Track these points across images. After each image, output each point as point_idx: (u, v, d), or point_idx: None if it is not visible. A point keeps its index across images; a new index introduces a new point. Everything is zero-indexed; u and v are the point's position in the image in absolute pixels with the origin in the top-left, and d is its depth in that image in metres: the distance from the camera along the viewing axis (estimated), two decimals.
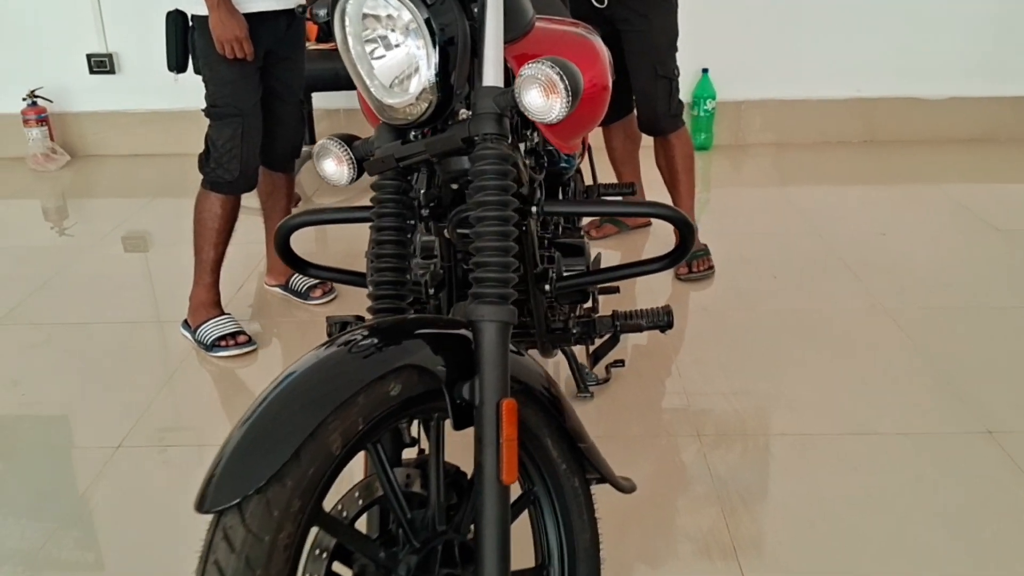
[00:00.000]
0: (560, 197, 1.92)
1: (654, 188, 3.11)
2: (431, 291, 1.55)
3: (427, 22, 1.14)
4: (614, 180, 3.08)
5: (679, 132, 2.84)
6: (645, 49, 2.71)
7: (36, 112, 4.24)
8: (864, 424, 2.04)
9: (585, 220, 2.83)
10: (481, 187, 1.12)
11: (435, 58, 1.15)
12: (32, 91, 4.23)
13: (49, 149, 4.30)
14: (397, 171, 1.25)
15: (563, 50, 1.42)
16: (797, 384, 2.22)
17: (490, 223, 1.11)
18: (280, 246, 1.47)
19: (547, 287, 1.54)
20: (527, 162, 1.36)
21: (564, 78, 1.11)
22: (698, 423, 2.06)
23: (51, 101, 4.30)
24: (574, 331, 1.72)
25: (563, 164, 1.81)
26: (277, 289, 2.83)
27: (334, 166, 1.27)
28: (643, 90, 2.76)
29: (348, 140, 1.28)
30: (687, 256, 1.48)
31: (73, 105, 4.36)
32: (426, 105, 1.16)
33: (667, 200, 2.98)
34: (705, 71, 4.14)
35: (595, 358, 2.19)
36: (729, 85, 4.19)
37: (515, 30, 1.38)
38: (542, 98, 1.12)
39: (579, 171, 2.25)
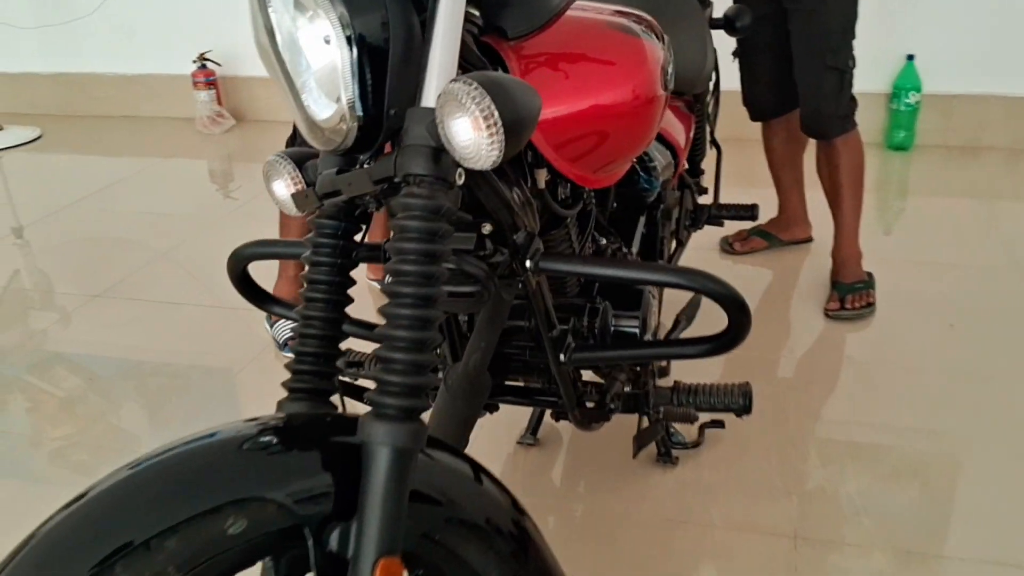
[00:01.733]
0: (644, 223, 1.57)
1: (817, 204, 2.61)
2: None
3: (340, 18, 0.84)
4: (759, 191, 2.62)
5: (847, 137, 2.33)
6: (814, 33, 2.23)
7: (205, 75, 4.32)
8: None
9: (693, 229, 2.40)
10: (397, 251, 0.82)
11: (350, 65, 0.84)
12: (202, 54, 4.31)
13: (216, 113, 4.37)
14: (340, 207, 0.97)
15: (591, 50, 1.07)
16: (959, 489, 1.73)
17: (402, 303, 0.82)
18: (234, 277, 1.23)
19: (563, 357, 1.21)
20: (526, 200, 1.04)
21: (492, 107, 0.77)
22: (802, 522, 1.64)
23: (220, 65, 4.36)
24: (612, 407, 1.37)
25: (643, 186, 1.45)
26: (377, 283, 2.65)
27: (285, 190, 1.00)
28: (807, 82, 2.28)
29: (300, 158, 1.00)
30: (735, 346, 1.09)
31: (241, 69, 4.40)
32: (345, 129, 0.87)
33: (824, 219, 2.50)
34: (910, 58, 3.49)
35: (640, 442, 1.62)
36: (939, 75, 3.51)
37: (528, 18, 1.04)
38: (469, 132, 0.79)
39: (690, 186, 1.86)
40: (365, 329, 1.26)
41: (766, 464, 1.79)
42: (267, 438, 0.83)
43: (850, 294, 2.36)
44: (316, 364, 0.96)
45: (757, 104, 2.57)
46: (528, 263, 1.05)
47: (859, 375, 2.10)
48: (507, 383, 1.40)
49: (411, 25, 0.87)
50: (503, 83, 0.80)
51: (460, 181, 0.86)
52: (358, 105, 0.86)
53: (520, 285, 1.08)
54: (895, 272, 2.53)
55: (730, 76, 2.43)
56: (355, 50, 0.84)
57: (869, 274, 2.43)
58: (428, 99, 0.84)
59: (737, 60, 2.51)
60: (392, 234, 0.84)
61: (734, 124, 2.71)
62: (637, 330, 1.31)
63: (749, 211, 2.11)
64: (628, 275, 1.06)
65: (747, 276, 2.62)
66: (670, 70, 1.17)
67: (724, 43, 2.24)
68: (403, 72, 0.86)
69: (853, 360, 2.17)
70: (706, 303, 2.29)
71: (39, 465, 1.93)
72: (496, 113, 0.77)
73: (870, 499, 1.68)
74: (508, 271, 1.06)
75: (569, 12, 1.10)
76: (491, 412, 1.41)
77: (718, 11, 2.13)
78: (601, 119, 1.06)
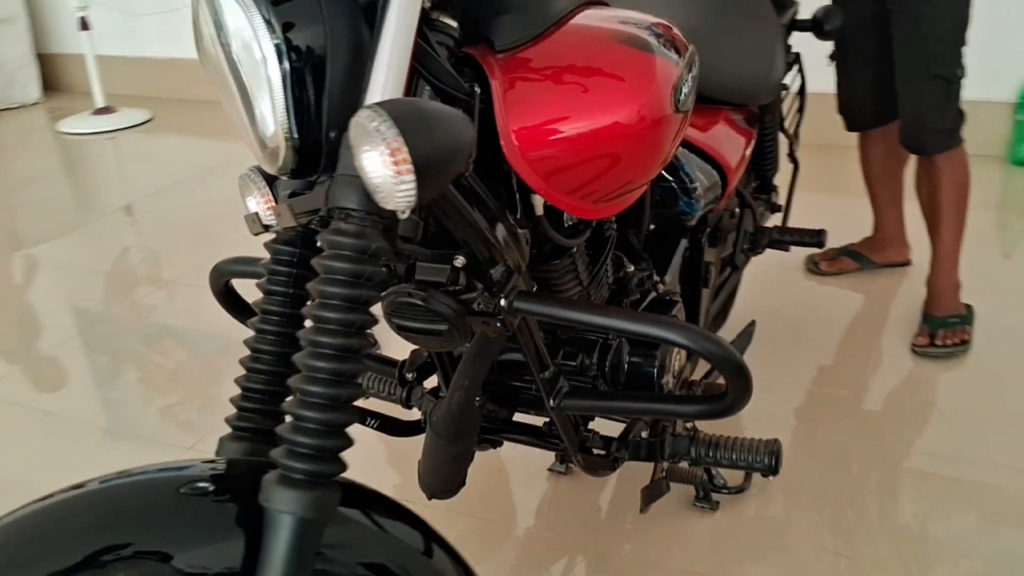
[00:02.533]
0: (687, 248, 1.42)
1: (919, 224, 2.37)
2: (408, 378, 1.19)
3: (268, 24, 0.76)
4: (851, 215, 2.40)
5: (951, 154, 2.10)
6: (918, 37, 2.01)
7: None
8: None
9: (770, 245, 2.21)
10: (319, 293, 0.74)
11: (281, 82, 0.76)
12: None
13: None
14: (298, 232, 0.89)
15: (589, 66, 0.95)
16: None
17: (319, 353, 0.73)
18: (216, 291, 1.18)
19: (552, 402, 1.10)
20: (511, 231, 0.94)
21: (400, 142, 0.67)
22: None
23: None
24: (618, 455, 1.25)
25: (682, 208, 1.32)
26: None
27: (263, 206, 0.93)
28: (908, 92, 2.06)
29: (271, 176, 0.93)
30: (733, 412, 0.95)
31: None
32: (282, 153, 0.79)
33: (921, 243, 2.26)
34: None
35: (650, 494, 1.43)
36: None
37: (519, 28, 0.92)
38: (379, 168, 0.69)
39: (750, 206, 1.70)
40: None
41: (818, 518, 1.62)
42: (192, 487, 0.78)
43: (942, 329, 2.12)
44: (263, 402, 0.89)
45: (854, 113, 2.35)
46: (503, 302, 0.94)
47: (942, 423, 1.89)
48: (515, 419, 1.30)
49: (354, 37, 0.78)
50: (419, 113, 0.70)
51: (404, 216, 0.76)
52: (292, 126, 0.78)
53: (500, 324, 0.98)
54: (1001, 305, 2.27)
55: (822, 79, 2.23)
56: (286, 64, 0.76)
57: (968, 307, 2.18)
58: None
59: (834, 64, 2.30)
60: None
61: (826, 129, 2.49)
62: (654, 372, 1.18)
63: (815, 237, 1.92)
64: (611, 324, 0.93)
65: (831, 300, 2.41)
66: (685, 88, 1.03)
67: (819, 45, 2.05)
68: (345, 90, 0.78)
69: (936, 405, 1.95)
70: (769, 330, 2.13)
71: (150, 428, 2.01)
72: (405, 149, 0.68)
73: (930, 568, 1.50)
74: (487, 308, 0.96)
75: (574, 20, 0.98)
76: (494, 447, 1.31)
77: (806, 11, 1.95)
78: (598, 144, 0.93)
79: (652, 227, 1.34)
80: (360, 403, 1.06)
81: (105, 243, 3.11)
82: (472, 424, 1.14)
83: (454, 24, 0.86)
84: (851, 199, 2.68)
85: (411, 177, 0.68)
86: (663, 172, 1.31)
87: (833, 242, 2.55)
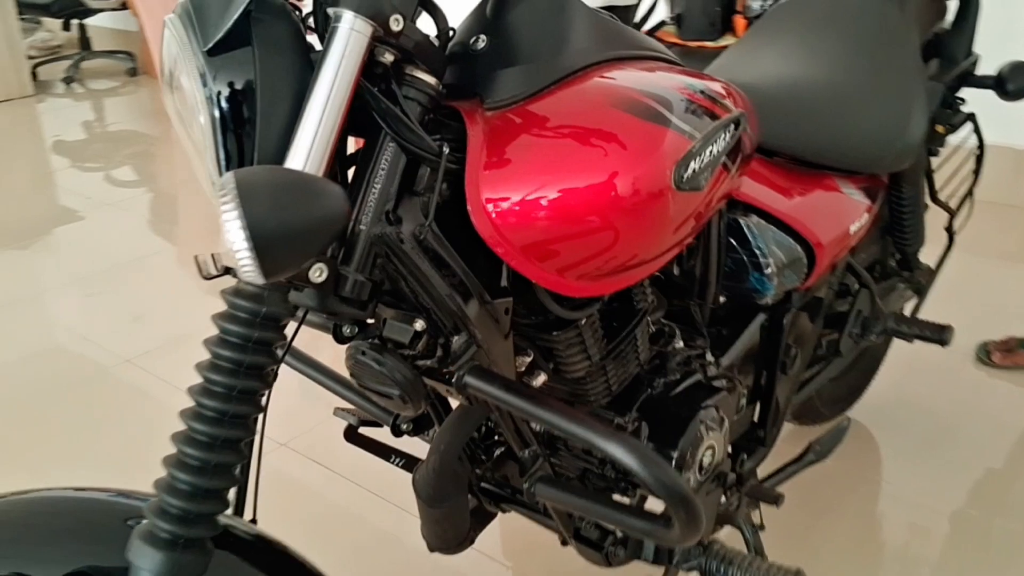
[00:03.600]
0: (766, 328, 1.25)
1: None
2: (403, 429, 1.11)
3: (202, 76, 0.74)
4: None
5: None
6: None
7: None
8: None
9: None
10: (212, 353, 0.72)
11: (211, 130, 0.74)
12: None
13: None
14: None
15: (578, 130, 0.83)
16: None
17: (202, 415, 0.72)
18: None
19: (526, 484, 0.99)
20: (483, 301, 0.86)
21: (238, 215, 0.62)
22: None
23: None
24: (610, 552, 1.11)
25: (753, 286, 1.16)
26: None
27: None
28: None
29: None
30: (680, 544, 0.81)
31: None
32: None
33: None
34: None
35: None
36: None
37: (516, 83, 0.84)
38: (229, 237, 0.64)
39: (868, 286, 1.46)
40: (309, 367, 1.16)
41: None
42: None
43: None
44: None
45: None
46: (456, 375, 0.85)
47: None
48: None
49: (285, 87, 0.74)
50: (270, 185, 0.64)
51: (319, 279, 0.72)
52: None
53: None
54: None
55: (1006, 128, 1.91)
56: (217, 111, 0.74)
57: None
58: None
59: None
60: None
61: (1010, 186, 2.13)
62: (673, 460, 1.03)
63: (937, 334, 1.60)
64: (551, 420, 0.83)
65: (1002, 398, 2.06)
66: (696, 164, 0.88)
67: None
68: (276, 144, 0.73)
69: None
70: (910, 424, 1.84)
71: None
72: (242, 223, 0.62)
73: None
74: (441, 378, 0.88)
75: (582, 81, 0.86)
76: (503, 511, 1.21)
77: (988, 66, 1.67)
78: (578, 217, 0.82)
79: (723, 300, 1.18)
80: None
81: None
82: (453, 487, 1.05)
83: (430, 80, 0.80)
84: None
85: (246, 252, 0.63)
86: (733, 242, 1.15)
87: (1013, 327, 2.20)
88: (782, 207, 1.18)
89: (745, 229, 1.14)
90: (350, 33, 0.72)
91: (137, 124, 4.58)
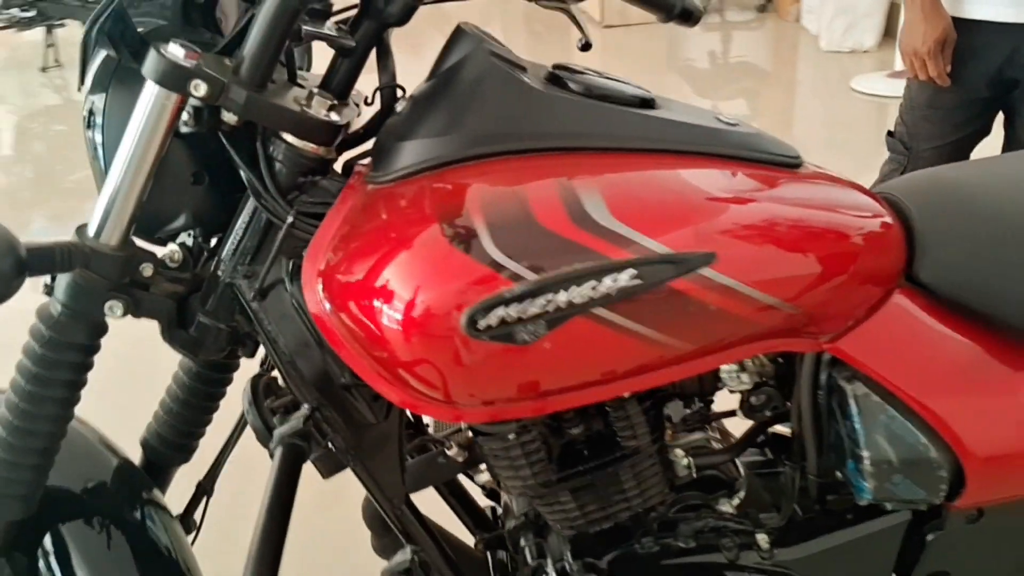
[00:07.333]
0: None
1: None
2: None
3: (89, 114, 0.85)
4: None
5: None
6: None
7: None
8: None
9: None
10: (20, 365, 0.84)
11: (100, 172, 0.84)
12: None
13: None
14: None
15: (397, 234, 0.75)
16: None
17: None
18: None
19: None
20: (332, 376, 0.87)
21: None
22: None
23: None
24: None
25: (848, 479, 0.90)
26: None
27: None
28: None
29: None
30: None
31: None
32: None
33: None
34: None
35: None
36: None
37: (411, 156, 0.78)
38: None
39: None
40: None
41: None
42: None
43: None
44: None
45: None
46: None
47: None
48: None
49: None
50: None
51: (116, 315, 0.79)
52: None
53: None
54: None
55: None
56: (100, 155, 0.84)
57: None
58: (92, 223, 0.79)
59: None
60: None
61: None
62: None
63: None
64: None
65: None
66: (507, 313, 0.71)
67: None
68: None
69: None
70: None
71: None
72: None
73: None
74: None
75: (468, 176, 0.77)
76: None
77: None
78: (386, 327, 0.73)
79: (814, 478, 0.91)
80: None
81: None
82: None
83: (300, 145, 0.79)
84: None
85: None
86: (837, 410, 0.87)
87: None
88: (910, 385, 0.82)
89: (850, 399, 0.84)
90: (150, 98, 0.74)
91: (758, 59, 4.83)
